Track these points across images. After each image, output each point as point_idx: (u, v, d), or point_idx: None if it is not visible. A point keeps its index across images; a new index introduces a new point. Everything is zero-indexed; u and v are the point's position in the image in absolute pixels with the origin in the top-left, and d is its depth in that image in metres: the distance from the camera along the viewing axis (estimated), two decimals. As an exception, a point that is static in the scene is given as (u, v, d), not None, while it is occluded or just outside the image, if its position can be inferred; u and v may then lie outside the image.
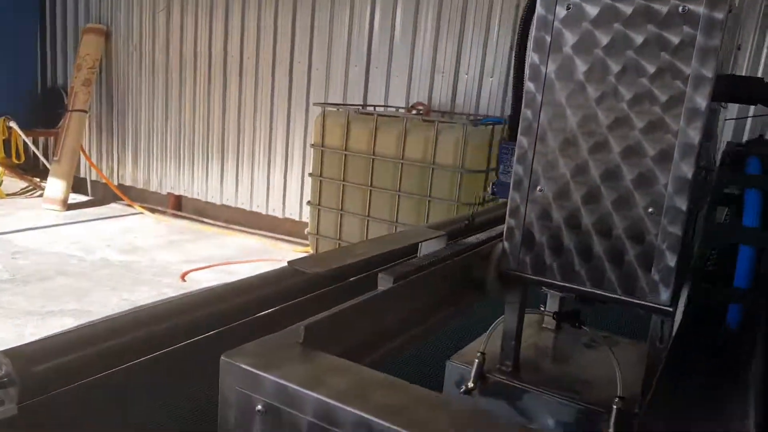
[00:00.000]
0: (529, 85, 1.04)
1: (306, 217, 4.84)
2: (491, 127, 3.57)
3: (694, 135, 0.92)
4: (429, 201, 3.58)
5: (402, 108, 4.47)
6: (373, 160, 3.70)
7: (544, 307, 1.36)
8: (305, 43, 5.04)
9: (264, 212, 5.41)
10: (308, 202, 4.08)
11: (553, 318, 1.27)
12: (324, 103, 3.91)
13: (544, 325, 1.39)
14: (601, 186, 1.01)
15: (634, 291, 0.97)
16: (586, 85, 1.01)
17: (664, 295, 0.94)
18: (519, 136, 1.04)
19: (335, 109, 4.00)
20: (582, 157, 1.02)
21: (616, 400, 1.01)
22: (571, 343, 1.34)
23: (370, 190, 3.74)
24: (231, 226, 5.47)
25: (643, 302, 0.96)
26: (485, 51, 4.38)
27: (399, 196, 3.65)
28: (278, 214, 5.34)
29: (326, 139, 3.89)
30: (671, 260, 0.94)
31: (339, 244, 3.94)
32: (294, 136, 5.16)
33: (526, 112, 1.04)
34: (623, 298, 0.97)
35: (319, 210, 4.00)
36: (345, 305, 0.95)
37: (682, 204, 0.95)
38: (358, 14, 4.80)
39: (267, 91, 5.25)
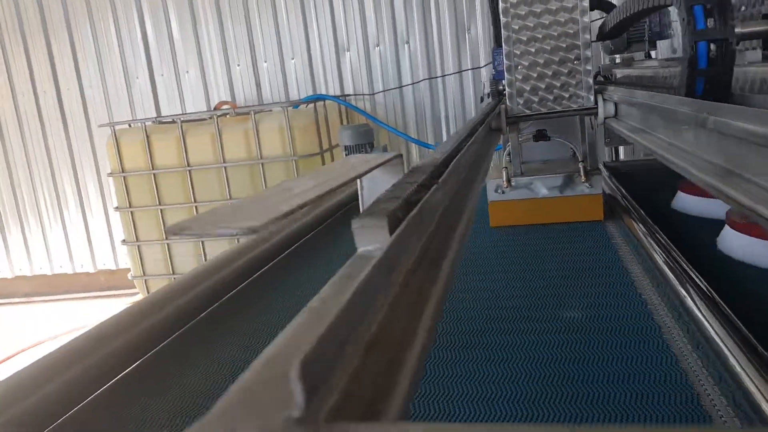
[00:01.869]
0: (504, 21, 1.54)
1: (124, 262, 4.14)
2: (314, 104, 3.22)
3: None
4: (267, 201, 3.14)
5: (205, 112, 3.95)
6: (189, 172, 3.17)
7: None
8: (70, 68, 4.29)
9: (71, 271, 4.55)
10: (123, 241, 3.42)
11: (533, 139, 1.78)
12: (111, 123, 3.28)
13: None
14: (551, 57, 1.53)
15: (577, 104, 1.55)
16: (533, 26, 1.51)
17: (589, 102, 1.53)
18: (503, 45, 1.53)
19: (127, 127, 3.38)
20: (537, 48, 1.54)
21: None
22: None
23: (195, 207, 3.21)
24: (32, 299, 4.53)
25: (583, 108, 1.55)
26: (279, 34, 4.02)
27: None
28: (89, 269, 4.52)
29: (125, 163, 3.27)
30: (590, 81, 1.52)
31: (173, 280, 3.35)
32: (83, 170, 4.38)
33: (507, 35, 1.55)
34: (573, 108, 1.55)
35: (138, 247, 3.37)
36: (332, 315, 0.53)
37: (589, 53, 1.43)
38: (124, 21, 4.17)
39: (36, 129, 4.39)
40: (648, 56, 2.09)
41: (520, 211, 1.67)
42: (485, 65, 3.75)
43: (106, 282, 4.47)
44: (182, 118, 3.19)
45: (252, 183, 3.15)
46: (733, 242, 1.18)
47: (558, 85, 1.52)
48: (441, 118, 3.86)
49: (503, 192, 1.67)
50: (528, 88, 1.55)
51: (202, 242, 3.25)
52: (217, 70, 4.14)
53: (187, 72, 4.19)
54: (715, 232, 1.24)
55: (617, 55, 2.21)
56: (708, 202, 1.67)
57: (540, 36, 1.49)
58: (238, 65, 4.10)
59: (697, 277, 0.94)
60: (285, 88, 4.05)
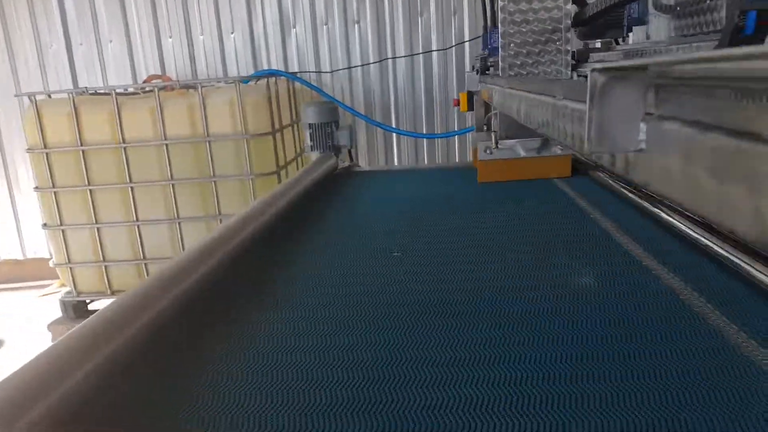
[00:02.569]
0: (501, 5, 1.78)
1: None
2: (266, 80, 3.01)
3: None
4: (215, 182, 2.91)
5: (146, 85, 3.62)
6: (125, 149, 2.87)
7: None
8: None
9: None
10: (44, 225, 3.05)
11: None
12: (32, 93, 2.90)
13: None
14: (538, 38, 1.77)
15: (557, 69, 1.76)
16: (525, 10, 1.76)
17: (567, 75, 1.74)
18: (499, 25, 1.76)
19: (48, 98, 3.01)
20: (527, 29, 1.77)
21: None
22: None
23: (131, 188, 2.91)
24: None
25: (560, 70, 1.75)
26: (218, 5, 3.75)
27: (173, 186, 2.90)
28: (18, 255, 4.06)
29: (48, 137, 2.91)
30: (569, 59, 1.74)
31: (104, 268, 3.04)
32: (12, 146, 3.91)
33: (503, 17, 1.76)
34: (557, 69, 1.75)
35: (63, 232, 3.01)
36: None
37: (570, 35, 1.78)
38: (37, -20, 3.74)
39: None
40: (623, 41, 2.13)
41: (504, 169, 1.99)
42: (470, 40, 3.67)
43: (36, 271, 4.03)
44: (117, 90, 2.88)
45: (197, 162, 2.90)
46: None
47: (543, 61, 1.79)
48: (390, 102, 3.76)
49: (491, 152, 1.97)
50: (518, 63, 1.81)
51: (137, 228, 2.96)
52: (145, 41, 3.80)
53: (111, 42, 3.82)
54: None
55: (596, 41, 2.24)
56: None
57: (530, 19, 1.77)
58: (170, 37, 3.79)
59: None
60: (223, 64, 3.79)
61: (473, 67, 2.43)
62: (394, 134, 3.79)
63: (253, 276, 1.19)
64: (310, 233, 1.51)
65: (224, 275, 1.11)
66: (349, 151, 2.64)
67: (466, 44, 3.68)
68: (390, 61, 3.72)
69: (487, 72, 2.21)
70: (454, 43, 3.67)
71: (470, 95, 2.47)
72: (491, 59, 2.10)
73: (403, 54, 3.70)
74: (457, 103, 2.48)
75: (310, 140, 2.51)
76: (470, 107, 2.48)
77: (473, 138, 2.32)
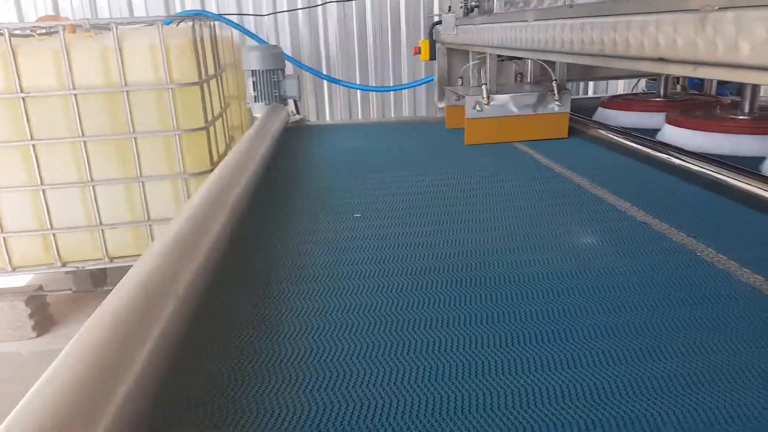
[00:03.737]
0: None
1: None
2: (191, 22, 2.65)
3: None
4: (135, 139, 2.55)
5: (17, 28, 3.10)
6: (23, 100, 2.44)
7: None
8: None
9: None
10: None
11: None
12: None
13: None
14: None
15: None
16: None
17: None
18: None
19: None
20: None
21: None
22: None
23: (32, 145, 2.49)
24: None
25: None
26: (118, -64, 3.27)
27: (84, 143, 2.51)
28: None
29: None
30: None
31: (2, 240, 2.61)
32: None
33: None
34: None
35: (-56, 199, 2.54)
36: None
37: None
38: None
39: None
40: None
41: (494, 129, 1.79)
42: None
43: None
44: (10, 29, 2.42)
45: (112, 116, 2.52)
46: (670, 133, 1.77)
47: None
48: (321, 52, 3.49)
49: (481, 109, 1.76)
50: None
51: (42, 192, 2.55)
52: (32, -25, 3.27)
53: (-12, -25, 3.25)
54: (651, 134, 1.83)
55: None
56: (637, 115, 1.91)
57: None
58: (64, -28, 3.28)
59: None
60: (128, 6, 3.34)
61: (449, 9, 2.23)
62: (326, 84, 3.54)
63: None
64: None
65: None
66: (296, 103, 2.40)
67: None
68: (320, 8, 3.44)
69: (470, 13, 2.04)
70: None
71: (432, 43, 2.29)
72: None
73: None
74: (418, 51, 2.30)
75: (254, 89, 2.24)
76: (432, 56, 2.31)
77: (444, 92, 2.12)
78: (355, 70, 3.57)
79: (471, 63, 1.96)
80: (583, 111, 2.17)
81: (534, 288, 0.93)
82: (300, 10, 3.39)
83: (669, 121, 1.77)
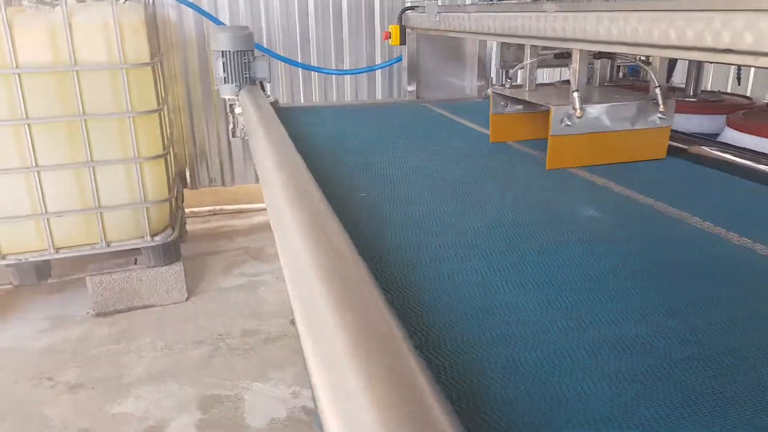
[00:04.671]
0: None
1: None
2: (143, 0, 2.53)
3: None
4: (84, 122, 2.41)
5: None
6: (-42, 78, 2.24)
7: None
8: None
9: None
10: None
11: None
12: None
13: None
14: None
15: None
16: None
17: None
18: None
19: None
20: None
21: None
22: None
23: (-30, 129, 2.30)
24: None
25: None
26: None
27: (28, 126, 2.35)
28: None
29: None
30: None
31: None
32: None
33: None
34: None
35: None
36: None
37: None
38: None
39: None
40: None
41: (584, 149, 1.37)
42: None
43: None
44: (-58, 0, 2.21)
45: (61, 97, 2.37)
46: (730, 136, 1.71)
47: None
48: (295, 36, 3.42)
49: (571, 123, 1.34)
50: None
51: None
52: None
53: None
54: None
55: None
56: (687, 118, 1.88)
57: None
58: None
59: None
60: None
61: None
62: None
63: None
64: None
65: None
66: (262, 85, 2.36)
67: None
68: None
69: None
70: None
71: (403, 29, 2.32)
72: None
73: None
74: (389, 36, 2.33)
75: (223, 71, 2.18)
76: (402, 41, 2.34)
77: (492, 97, 1.58)
78: (331, 54, 3.56)
79: (528, 61, 1.53)
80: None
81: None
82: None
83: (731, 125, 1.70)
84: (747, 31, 0.80)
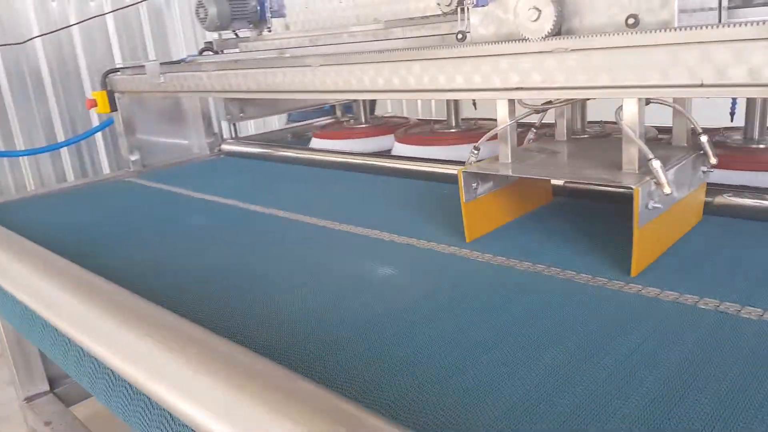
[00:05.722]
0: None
1: None
2: None
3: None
4: None
5: None
6: None
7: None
8: None
9: None
10: None
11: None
12: None
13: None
14: None
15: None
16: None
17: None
18: None
19: None
20: None
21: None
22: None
23: None
24: None
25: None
26: None
27: None
28: None
29: None
30: None
31: None
32: None
33: None
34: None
35: None
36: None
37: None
38: None
39: None
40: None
41: (665, 232, 1.01)
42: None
43: None
44: None
45: None
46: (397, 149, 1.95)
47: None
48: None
49: (659, 205, 0.95)
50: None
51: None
52: None
53: None
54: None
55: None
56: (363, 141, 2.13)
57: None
58: None
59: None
60: None
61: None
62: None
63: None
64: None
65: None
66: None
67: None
68: None
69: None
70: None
71: (111, 94, 2.00)
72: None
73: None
74: (94, 104, 1.99)
75: None
76: (114, 107, 2.02)
77: (465, 180, 1.10)
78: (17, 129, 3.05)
79: (509, 122, 1.12)
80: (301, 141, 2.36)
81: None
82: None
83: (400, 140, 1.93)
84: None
